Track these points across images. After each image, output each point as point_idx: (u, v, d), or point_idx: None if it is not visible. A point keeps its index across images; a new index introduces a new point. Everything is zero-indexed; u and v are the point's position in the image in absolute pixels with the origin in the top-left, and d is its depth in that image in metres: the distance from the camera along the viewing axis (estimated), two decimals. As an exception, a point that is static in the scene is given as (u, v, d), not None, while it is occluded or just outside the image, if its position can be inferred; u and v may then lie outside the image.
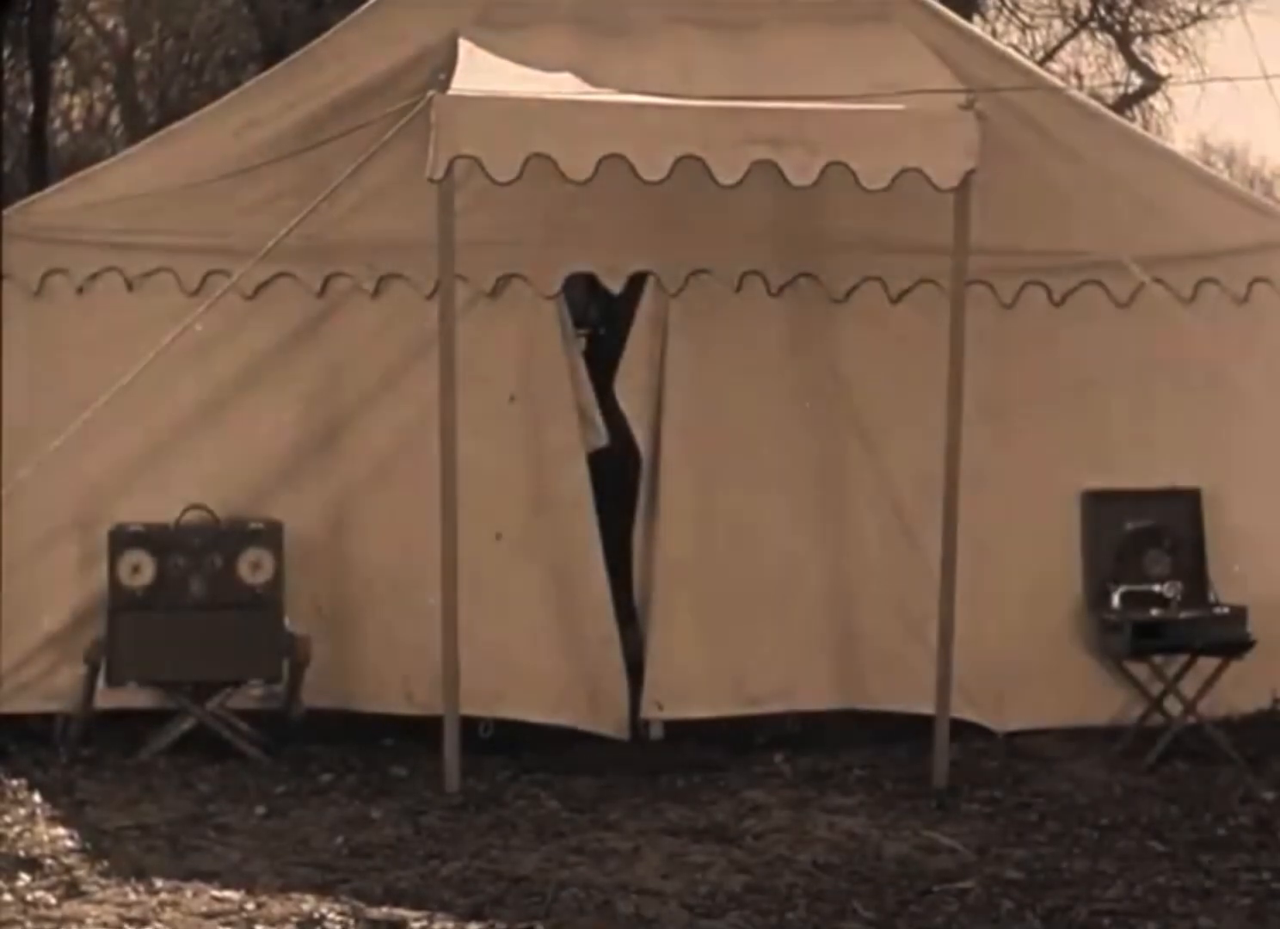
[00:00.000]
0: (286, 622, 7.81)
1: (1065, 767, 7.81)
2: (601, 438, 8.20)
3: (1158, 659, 8.03)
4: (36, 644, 7.97)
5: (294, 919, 5.86)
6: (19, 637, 7.90)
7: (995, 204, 7.50)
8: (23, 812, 6.95)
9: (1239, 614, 7.94)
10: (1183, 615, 7.99)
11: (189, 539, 7.84)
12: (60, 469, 7.70)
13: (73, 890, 6.08)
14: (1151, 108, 23.35)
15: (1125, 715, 8.18)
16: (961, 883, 6.31)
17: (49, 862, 6.34)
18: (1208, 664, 7.99)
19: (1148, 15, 23.44)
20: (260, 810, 7.05)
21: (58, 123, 23.99)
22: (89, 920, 5.81)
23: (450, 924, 5.87)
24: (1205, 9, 22.97)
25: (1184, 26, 23.17)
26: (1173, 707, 8.04)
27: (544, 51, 7.63)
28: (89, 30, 23.42)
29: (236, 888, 6.13)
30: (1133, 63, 23.34)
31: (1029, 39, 23.22)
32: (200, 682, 7.79)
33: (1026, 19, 23.30)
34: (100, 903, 5.98)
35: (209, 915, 5.89)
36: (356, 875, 6.27)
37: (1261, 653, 7.95)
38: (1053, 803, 7.29)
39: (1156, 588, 8.08)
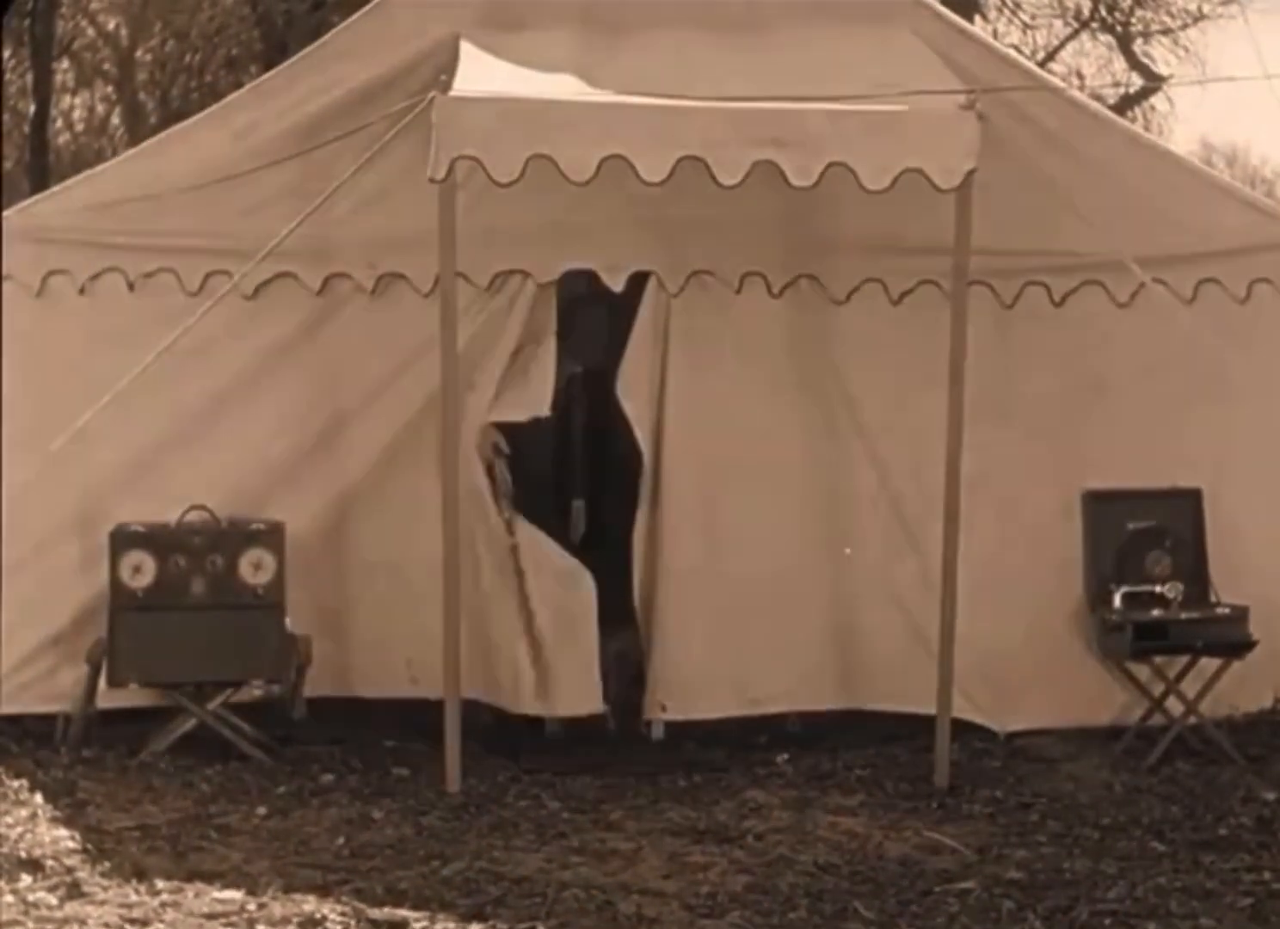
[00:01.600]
0: (288, 622, 7.82)
1: (1066, 767, 7.81)
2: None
3: (1159, 659, 8.03)
4: (38, 644, 7.97)
5: (295, 920, 5.86)
6: (20, 637, 7.90)
7: (996, 205, 7.50)
8: (24, 812, 6.95)
9: (1240, 614, 7.94)
10: (1184, 616, 7.99)
11: (190, 539, 7.84)
12: (61, 469, 7.71)
13: (74, 891, 6.08)
14: (1153, 108, 23.41)
15: (1126, 716, 8.19)
16: (963, 883, 6.31)
17: (50, 862, 6.34)
18: (1209, 664, 7.99)
19: (1149, 15, 23.47)
20: (261, 811, 7.06)
21: (59, 123, 24.01)
22: (91, 921, 5.81)
23: (452, 925, 5.87)
24: (1206, 9, 23.01)
25: (1185, 27, 23.20)
26: (1174, 707, 8.04)
27: (545, 52, 7.63)
28: (90, 31, 23.45)
29: (238, 888, 6.13)
30: (1134, 63, 23.38)
31: (1030, 39, 23.28)
32: (201, 682, 7.80)
33: (1028, 19, 23.35)
34: (102, 904, 5.98)
35: (210, 916, 5.89)
36: (358, 876, 6.27)
37: (1263, 653, 7.95)
38: (1054, 803, 7.29)
39: (1158, 588, 8.07)
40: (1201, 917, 6.02)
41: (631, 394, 8.17)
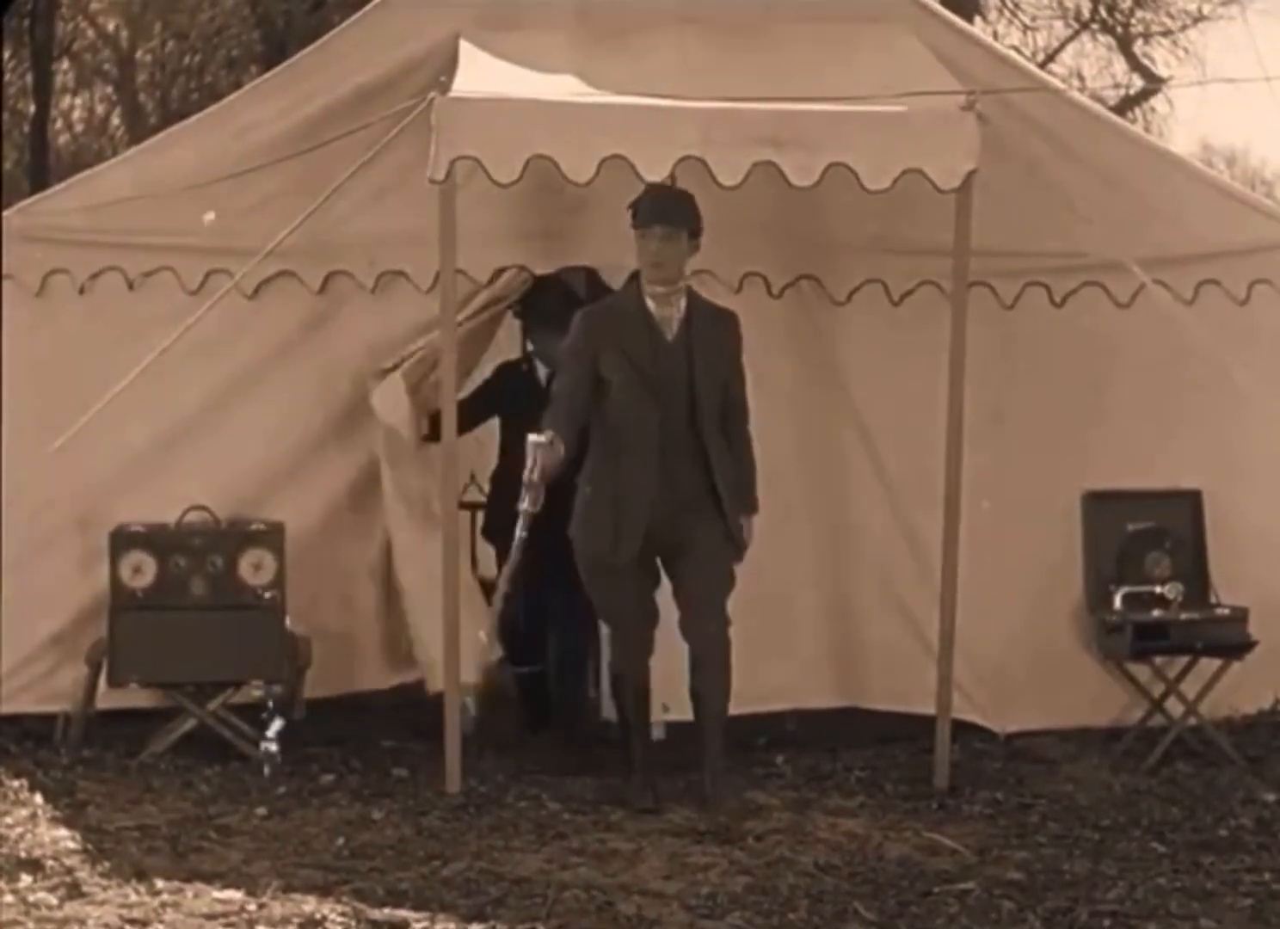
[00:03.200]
0: (287, 623, 7.81)
1: (1066, 768, 7.81)
2: None
3: (1159, 660, 8.03)
4: (38, 645, 7.97)
5: (295, 920, 5.86)
6: (20, 637, 7.90)
7: (996, 205, 7.50)
8: (24, 812, 6.95)
9: (1240, 615, 7.94)
10: (1184, 616, 7.98)
11: (190, 540, 7.84)
12: (61, 469, 7.71)
13: (74, 891, 6.08)
14: (1153, 109, 23.43)
15: (1126, 717, 8.18)
16: (962, 884, 6.30)
17: (50, 863, 6.34)
18: (1209, 665, 7.98)
19: (1149, 17, 23.49)
20: (261, 811, 7.06)
21: (59, 124, 24.04)
22: (90, 921, 5.81)
23: (452, 925, 5.87)
24: (1206, 10, 23.02)
25: (1185, 28, 23.22)
26: (1174, 708, 8.04)
27: (545, 53, 7.63)
28: (90, 31, 23.46)
29: (238, 889, 6.13)
30: (1134, 64, 23.39)
31: (1030, 40, 23.31)
32: (201, 682, 7.80)
33: (1028, 20, 23.37)
34: (101, 904, 5.98)
35: (210, 916, 5.89)
36: (358, 876, 6.26)
37: (1263, 654, 7.95)
38: (1054, 804, 7.29)
39: (1158, 589, 8.07)
40: (1201, 918, 6.01)
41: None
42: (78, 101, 24.97)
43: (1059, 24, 23.63)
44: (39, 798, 7.12)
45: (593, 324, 7.19)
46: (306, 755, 7.78)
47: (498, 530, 7.79)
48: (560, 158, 6.97)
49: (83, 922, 5.81)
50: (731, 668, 7.13)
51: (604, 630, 7.61)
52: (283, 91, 8.02)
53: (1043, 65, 20.57)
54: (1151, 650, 7.97)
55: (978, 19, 20.44)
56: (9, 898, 5.96)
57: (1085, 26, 23.55)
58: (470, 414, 7.76)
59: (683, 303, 7.24)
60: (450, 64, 7.48)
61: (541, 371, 8.08)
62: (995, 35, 21.06)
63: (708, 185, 7.09)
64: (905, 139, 7.10)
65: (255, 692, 7.82)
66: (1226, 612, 7.99)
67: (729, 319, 7.34)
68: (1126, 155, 8.18)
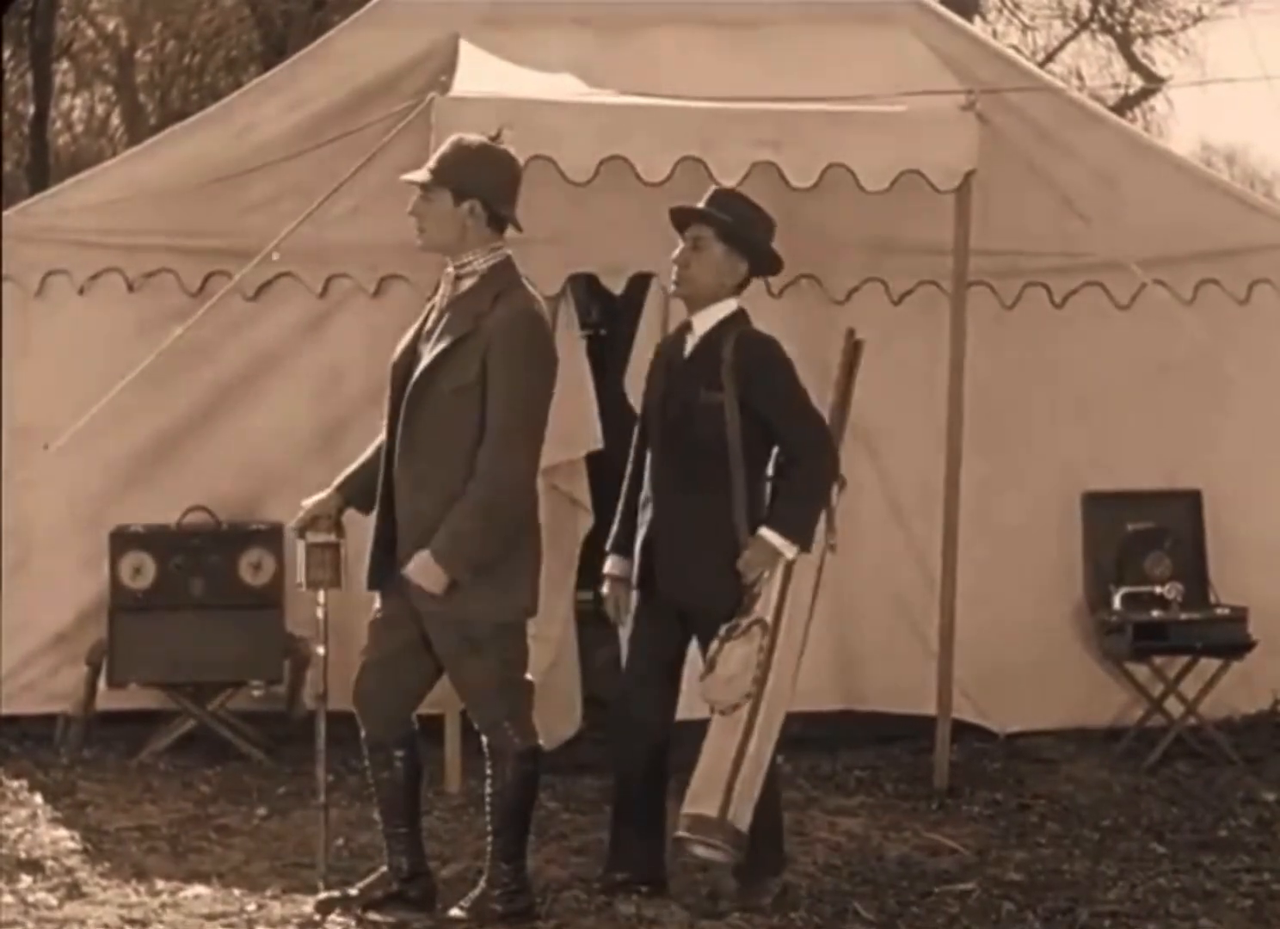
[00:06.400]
0: (287, 623, 7.81)
1: (1066, 768, 7.82)
2: (598, 441, 8.14)
3: (1158, 660, 8.03)
4: (38, 645, 7.98)
5: (295, 920, 5.86)
6: (20, 638, 7.91)
7: (996, 205, 7.50)
8: (24, 813, 6.96)
9: (1240, 615, 7.95)
10: (1183, 617, 7.99)
11: (190, 540, 7.85)
12: (61, 470, 7.71)
13: (74, 892, 6.09)
14: (1152, 109, 23.39)
15: (1126, 716, 8.19)
16: (962, 884, 6.31)
17: (50, 863, 6.35)
18: (1209, 665, 7.99)
19: (1148, 16, 23.46)
20: (261, 812, 7.06)
21: (59, 124, 23.99)
22: (90, 922, 5.81)
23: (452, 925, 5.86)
24: (1206, 10, 22.99)
25: (1185, 27, 23.18)
26: (1173, 708, 8.05)
27: (545, 52, 7.63)
28: (90, 32, 23.43)
29: (238, 889, 6.13)
30: (1133, 64, 23.36)
31: (1030, 40, 23.26)
32: (201, 683, 7.80)
33: (1027, 20, 23.33)
34: (101, 904, 5.98)
35: (210, 917, 5.89)
36: (357, 877, 6.24)
37: (1262, 654, 7.95)
38: (1053, 804, 7.30)
39: (1157, 589, 8.08)
40: (1201, 918, 6.02)
41: (637, 393, 8.14)
42: (77, 102, 24.93)
43: (1058, 23, 23.61)
44: (39, 798, 7.13)
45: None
46: (306, 755, 7.76)
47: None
48: (560, 158, 6.96)
49: (82, 922, 5.81)
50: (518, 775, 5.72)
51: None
52: (283, 91, 8.02)
53: (1042, 65, 20.54)
54: (1151, 650, 7.98)
55: (977, 19, 20.41)
56: (9, 898, 5.96)
57: (1085, 26, 23.52)
58: None
59: (468, 283, 5.64)
60: (450, 63, 7.48)
61: None
62: (995, 35, 21.03)
63: (707, 185, 7.07)
64: (904, 139, 7.10)
65: (255, 691, 7.84)
66: (1226, 612, 7.99)
67: (519, 313, 5.52)
68: (1127, 155, 8.18)
